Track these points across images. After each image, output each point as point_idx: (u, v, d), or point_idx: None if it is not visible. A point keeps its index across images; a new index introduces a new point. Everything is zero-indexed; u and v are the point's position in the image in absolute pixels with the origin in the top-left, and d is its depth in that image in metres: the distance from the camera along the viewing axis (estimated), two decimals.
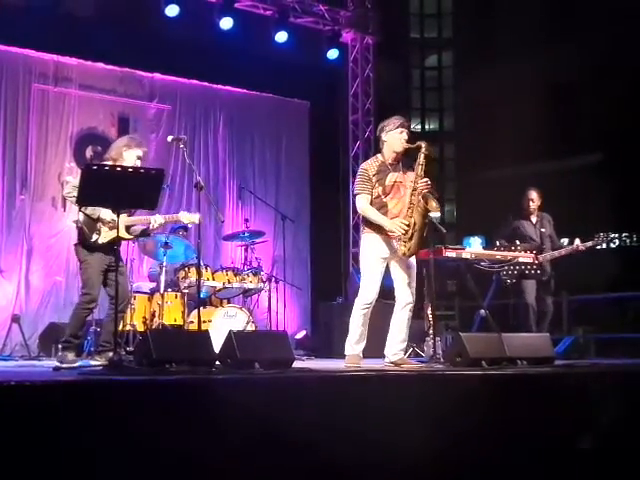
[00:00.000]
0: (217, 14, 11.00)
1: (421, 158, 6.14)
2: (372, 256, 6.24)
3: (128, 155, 6.41)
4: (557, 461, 4.38)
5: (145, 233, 6.70)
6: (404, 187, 6.22)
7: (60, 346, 6.38)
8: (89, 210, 6.14)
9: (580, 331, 10.33)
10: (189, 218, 6.72)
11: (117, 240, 5.78)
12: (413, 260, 6.30)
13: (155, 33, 10.75)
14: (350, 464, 3.84)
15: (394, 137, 6.27)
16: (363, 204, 6.24)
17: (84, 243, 6.25)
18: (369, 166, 6.33)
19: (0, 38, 10.06)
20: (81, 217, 6.23)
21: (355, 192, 6.32)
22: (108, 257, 6.26)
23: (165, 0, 10.49)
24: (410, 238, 6.02)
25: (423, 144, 6.19)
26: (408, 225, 6.03)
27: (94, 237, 6.22)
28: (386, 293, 6.51)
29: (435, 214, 6.31)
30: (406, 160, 6.34)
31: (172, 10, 10.51)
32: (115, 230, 6.13)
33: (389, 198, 6.21)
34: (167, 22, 10.58)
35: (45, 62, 10.81)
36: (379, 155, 6.41)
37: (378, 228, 6.20)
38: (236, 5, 11.23)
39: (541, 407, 4.58)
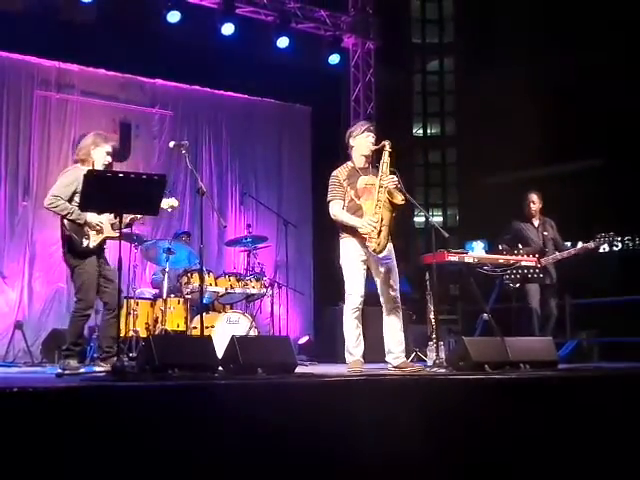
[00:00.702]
0: (218, 20, 10.99)
1: (385, 156, 6.23)
2: (351, 259, 6.30)
3: (96, 153, 6.39)
4: (561, 464, 4.38)
5: (127, 224, 6.66)
6: (375, 189, 6.26)
7: (62, 354, 6.37)
8: (74, 216, 6.11)
9: (583, 335, 10.31)
10: (168, 203, 6.72)
11: (116, 239, 5.78)
12: (394, 261, 6.37)
13: (157, 39, 10.74)
14: (353, 468, 3.83)
15: (361, 141, 6.41)
16: (335, 210, 6.37)
17: (75, 250, 6.22)
18: (339, 172, 6.45)
19: (2, 45, 10.08)
20: (67, 225, 6.19)
21: (328, 199, 6.43)
22: (98, 261, 6.26)
23: (167, 6, 10.50)
24: (378, 234, 6.09)
25: (387, 143, 6.27)
26: (377, 221, 6.09)
27: (85, 242, 6.19)
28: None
29: (437, 218, 6.36)
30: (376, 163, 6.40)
31: (174, 16, 10.52)
32: (102, 233, 6.17)
33: (363, 200, 6.28)
34: (169, 28, 10.58)
35: (47, 69, 10.82)
36: (349, 162, 6.53)
37: (354, 232, 6.26)
38: (237, 11, 11.22)
39: (544, 410, 4.57)
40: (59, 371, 5.87)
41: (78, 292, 6.25)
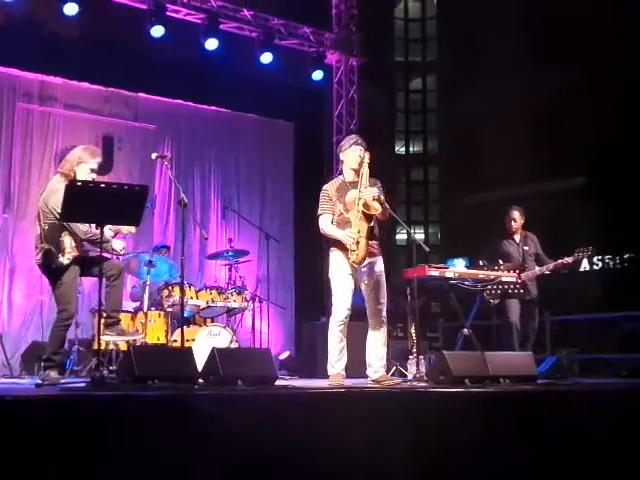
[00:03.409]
0: (202, 35, 11.04)
1: (364, 167, 6.21)
2: (339, 272, 6.31)
3: (80, 170, 6.23)
4: (539, 477, 4.39)
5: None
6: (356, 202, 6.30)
7: (42, 365, 6.32)
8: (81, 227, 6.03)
9: (563, 352, 10.35)
10: (127, 229, 6.60)
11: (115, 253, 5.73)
12: (383, 276, 6.37)
13: (140, 53, 10.77)
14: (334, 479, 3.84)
15: (349, 155, 6.41)
16: (323, 223, 6.38)
17: (51, 266, 6.13)
18: (329, 186, 6.48)
19: None
20: (44, 238, 6.11)
21: (318, 213, 6.44)
22: (77, 267, 6.15)
23: (151, 21, 10.52)
24: (357, 245, 6.08)
25: (366, 154, 6.25)
26: (355, 233, 6.09)
27: (60, 258, 6.08)
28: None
29: (419, 235, 6.38)
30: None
31: (157, 31, 10.53)
32: (77, 248, 6.07)
33: (351, 214, 6.24)
34: (153, 42, 10.60)
35: (30, 81, 10.80)
36: (340, 176, 6.58)
37: (342, 245, 6.25)
38: (221, 26, 11.27)
39: (523, 424, 4.59)
40: (38, 382, 5.83)
41: (59, 303, 6.18)
